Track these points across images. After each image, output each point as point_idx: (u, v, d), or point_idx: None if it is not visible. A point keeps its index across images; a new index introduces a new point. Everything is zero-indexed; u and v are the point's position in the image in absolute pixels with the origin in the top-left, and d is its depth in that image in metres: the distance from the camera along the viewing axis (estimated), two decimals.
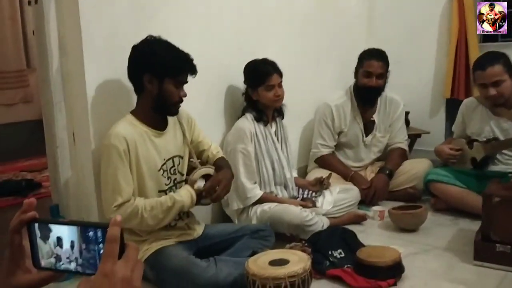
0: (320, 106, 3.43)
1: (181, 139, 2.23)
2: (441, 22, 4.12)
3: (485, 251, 2.26)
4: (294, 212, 2.54)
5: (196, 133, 2.32)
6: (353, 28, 4.15)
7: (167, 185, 2.13)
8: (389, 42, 4.03)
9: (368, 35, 4.30)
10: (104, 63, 2.18)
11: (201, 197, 2.11)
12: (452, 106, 4.03)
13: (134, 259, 0.71)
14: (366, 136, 3.39)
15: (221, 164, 2.30)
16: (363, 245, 2.41)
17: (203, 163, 2.31)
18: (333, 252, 2.32)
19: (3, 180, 4.15)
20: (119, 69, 2.12)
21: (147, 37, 2.08)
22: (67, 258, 0.77)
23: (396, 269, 2.14)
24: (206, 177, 2.19)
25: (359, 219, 2.91)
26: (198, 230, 2.29)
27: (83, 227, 0.76)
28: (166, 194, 2.11)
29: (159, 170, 2.09)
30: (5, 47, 5.66)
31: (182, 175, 2.22)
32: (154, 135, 2.10)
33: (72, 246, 0.77)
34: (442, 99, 4.18)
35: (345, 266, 2.23)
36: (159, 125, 2.14)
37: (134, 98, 2.18)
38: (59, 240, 0.78)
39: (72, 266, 0.77)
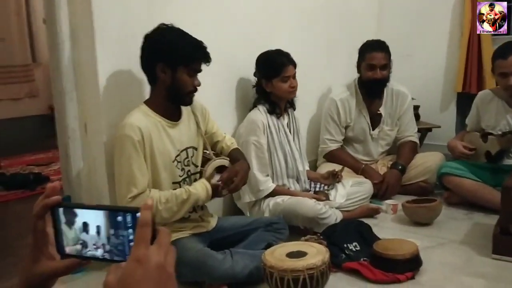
0: (325, 101, 3.40)
1: (195, 130, 2.19)
2: (453, 15, 4.07)
3: (504, 244, 2.22)
4: (308, 205, 2.51)
5: (210, 124, 2.28)
6: (363, 21, 4.11)
7: (181, 176, 2.09)
8: (400, 35, 4.00)
9: (378, 28, 4.27)
10: (117, 52, 2.14)
11: (216, 191, 2.07)
12: (463, 100, 3.99)
13: (166, 244, 0.67)
14: (373, 129, 3.35)
15: (236, 156, 2.26)
16: (378, 238, 2.37)
17: (217, 155, 2.27)
18: (348, 245, 2.28)
19: (10, 173, 4.14)
20: (132, 59, 2.08)
21: (159, 25, 2.03)
22: (94, 244, 0.74)
23: (414, 262, 2.10)
24: (220, 168, 2.15)
25: (372, 213, 2.87)
26: (212, 223, 2.26)
27: (111, 211, 0.72)
28: (180, 185, 2.07)
29: (173, 161, 2.05)
30: (10, 41, 5.66)
31: (196, 166, 2.18)
32: (168, 126, 2.05)
33: (98, 232, 0.73)
34: (453, 93, 4.14)
35: (361, 259, 2.20)
36: (173, 116, 2.10)
37: (147, 88, 2.15)
38: (85, 226, 0.74)
39: (99, 252, 0.73)
